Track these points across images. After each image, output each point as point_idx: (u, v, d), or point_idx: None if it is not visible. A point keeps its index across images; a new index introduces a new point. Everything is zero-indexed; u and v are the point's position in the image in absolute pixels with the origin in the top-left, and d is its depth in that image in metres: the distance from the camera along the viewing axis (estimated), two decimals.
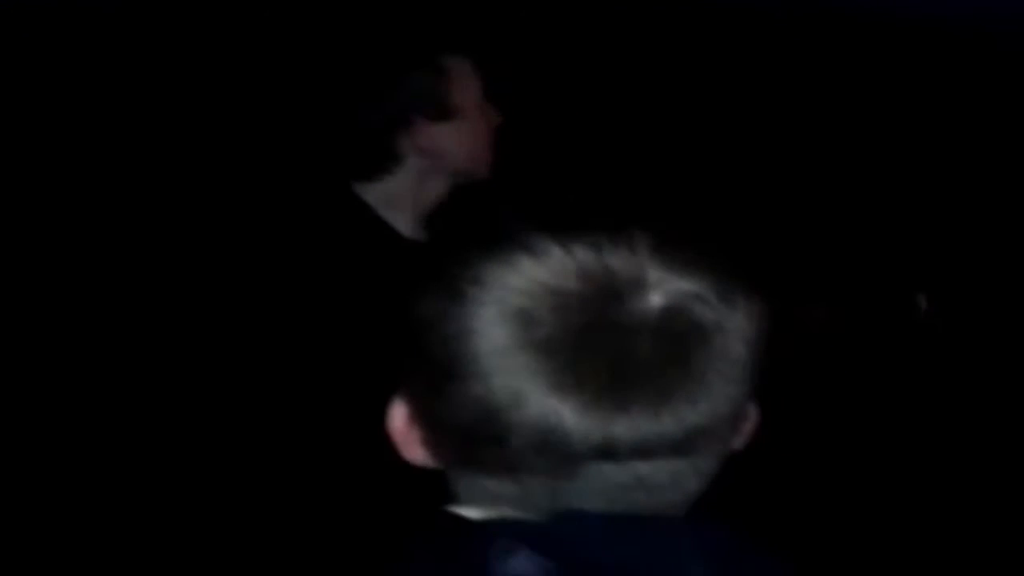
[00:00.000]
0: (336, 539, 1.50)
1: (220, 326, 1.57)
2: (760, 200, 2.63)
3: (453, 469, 0.78)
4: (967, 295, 2.61)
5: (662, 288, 0.71)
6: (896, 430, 2.49)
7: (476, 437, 0.73)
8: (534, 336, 0.70)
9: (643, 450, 0.71)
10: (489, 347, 0.71)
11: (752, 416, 0.80)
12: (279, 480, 1.54)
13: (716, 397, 0.72)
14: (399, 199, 1.61)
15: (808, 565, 0.84)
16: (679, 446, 0.72)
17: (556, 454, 0.71)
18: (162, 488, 2.16)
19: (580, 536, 0.73)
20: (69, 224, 2.34)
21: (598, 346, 0.70)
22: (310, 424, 1.50)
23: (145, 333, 2.28)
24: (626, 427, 0.70)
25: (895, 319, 2.61)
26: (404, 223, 1.62)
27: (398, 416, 0.80)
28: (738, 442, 0.80)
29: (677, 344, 0.71)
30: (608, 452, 0.71)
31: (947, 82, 2.58)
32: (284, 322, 1.50)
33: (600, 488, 0.73)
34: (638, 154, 2.55)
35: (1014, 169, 2.60)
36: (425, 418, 0.77)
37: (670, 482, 0.74)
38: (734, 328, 0.73)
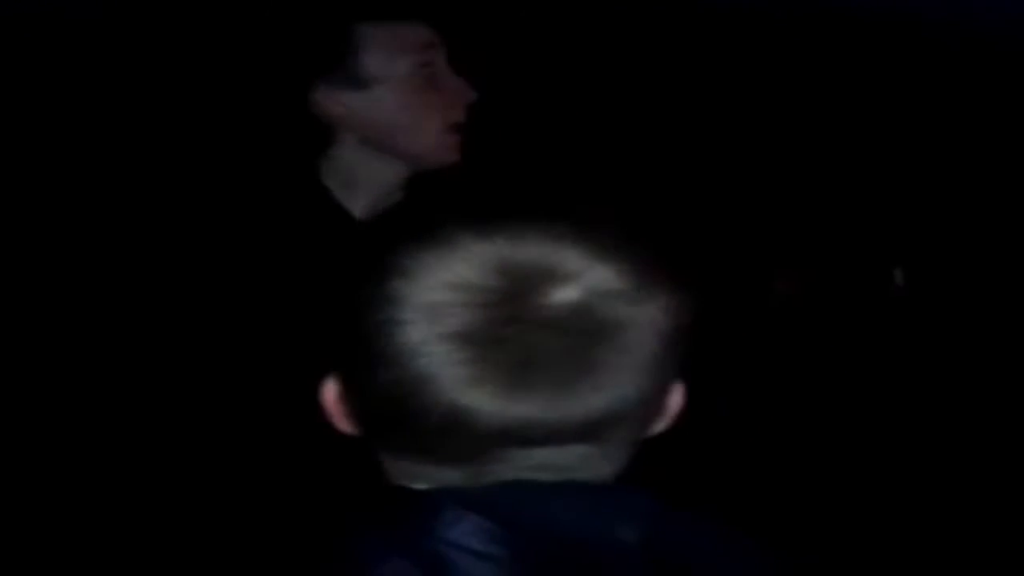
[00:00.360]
0: (283, 518, 1.48)
1: (172, 317, 1.55)
2: (737, 171, 2.60)
3: (379, 448, 0.84)
4: (945, 272, 2.58)
5: (575, 283, 0.74)
6: (869, 405, 2.45)
7: (392, 419, 0.78)
8: (447, 329, 0.74)
9: (545, 436, 0.76)
10: (407, 338, 0.75)
11: (676, 399, 0.84)
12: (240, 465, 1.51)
13: (618, 389, 0.76)
14: (349, 179, 1.54)
15: (786, 543, 0.89)
16: (583, 432, 0.76)
17: (462, 439, 0.76)
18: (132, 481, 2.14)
19: (520, 501, 0.78)
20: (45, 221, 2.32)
21: (505, 340, 0.74)
22: (259, 412, 1.48)
23: (117, 328, 2.27)
24: (528, 413, 0.75)
25: (869, 292, 2.59)
26: (358, 207, 1.53)
27: (330, 390, 0.85)
28: (659, 426, 0.85)
29: (582, 339, 0.74)
30: (509, 439, 0.76)
31: (929, 72, 2.57)
32: (234, 307, 1.48)
33: (510, 470, 0.78)
34: (613, 141, 2.52)
35: (998, 150, 2.57)
36: (350, 396, 0.83)
37: (579, 465, 0.79)
38: (646, 322, 0.76)
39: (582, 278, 0.74)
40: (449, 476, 0.79)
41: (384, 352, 0.76)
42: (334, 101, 1.49)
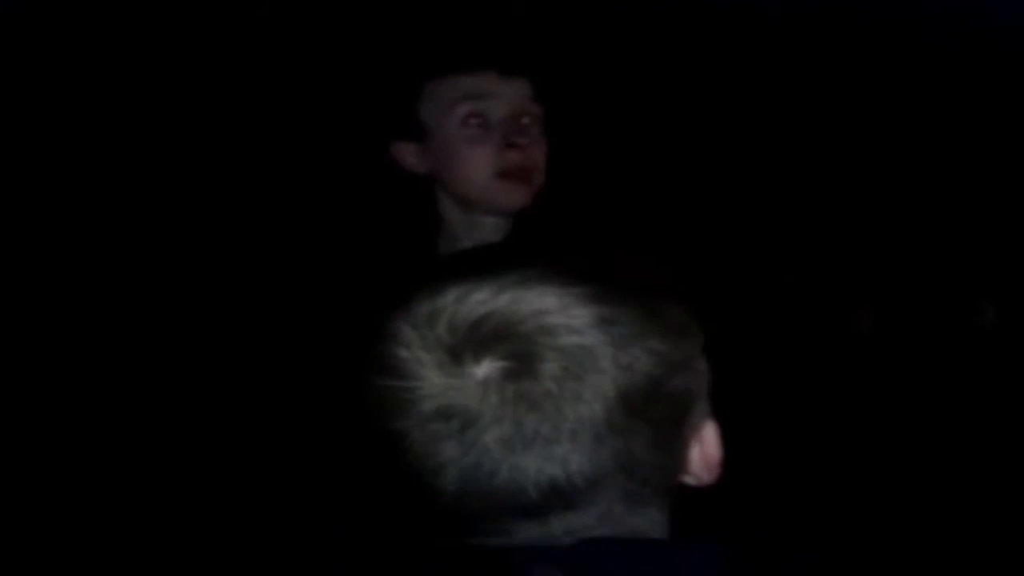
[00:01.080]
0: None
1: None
2: (818, 199, 2.56)
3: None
4: None
5: (488, 358, 0.75)
6: (957, 439, 2.39)
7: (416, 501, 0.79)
8: (406, 404, 0.77)
9: (509, 509, 0.76)
10: (389, 408, 0.78)
11: (709, 448, 0.83)
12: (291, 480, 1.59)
13: (560, 458, 0.75)
14: (452, 239, 1.65)
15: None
16: (547, 504, 0.76)
17: (467, 507, 0.78)
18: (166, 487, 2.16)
19: (606, 558, 0.77)
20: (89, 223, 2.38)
21: (448, 409, 0.76)
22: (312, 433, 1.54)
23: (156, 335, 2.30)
24: (473, 486, 0.76)
25: (955, 326, 2.52)
26: (443, 244, 1.67)
27: None
28: (707, 476, 0.84)
29: (504, 409, 0.75)
30: (471, 510, 0.77)
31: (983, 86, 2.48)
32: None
33: (524, 539, 0.78)
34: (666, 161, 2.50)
35: None
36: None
37: (577, 533, 0.78)
38: (572, 392, 0.75)
39: (506, 347, 0.75)
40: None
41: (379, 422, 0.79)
42: (405, 152, 1.63)
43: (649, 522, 0.81)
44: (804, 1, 2.44)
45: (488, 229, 1.62)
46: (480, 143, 1.59)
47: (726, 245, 2.20)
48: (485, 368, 0.75)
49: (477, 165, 1.59)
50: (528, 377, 0.75)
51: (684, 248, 1.92)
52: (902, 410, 2.41)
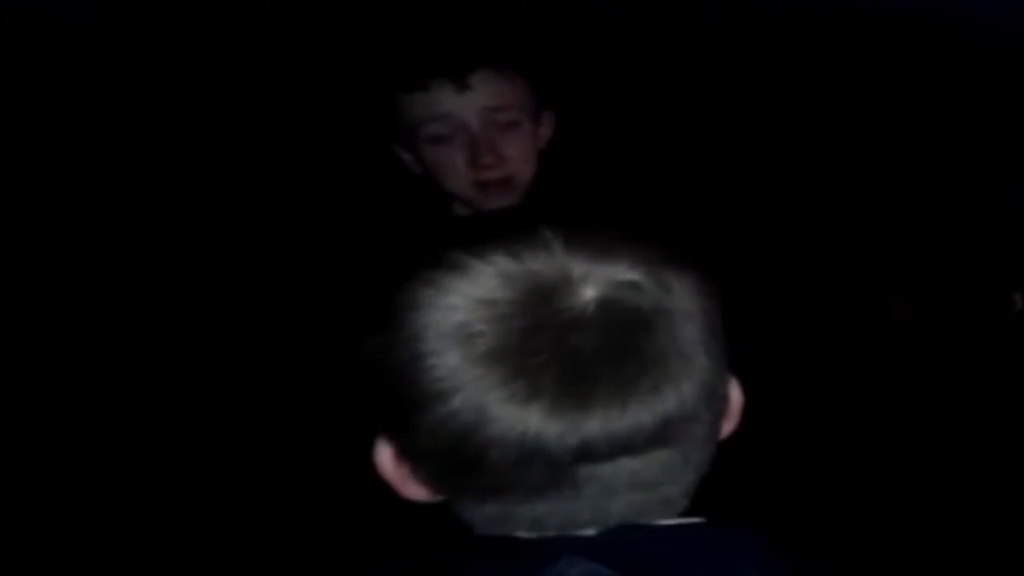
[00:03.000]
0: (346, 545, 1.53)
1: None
2: (849, 190, 2.55)
3: (455, 501, 0.79)
4: None
5: (590, 281, 0.72)
6: (989, 431, 2.39)
7: (458, 463, 0.73)
8: (478, 348, 0.70)
9: (623, 445, 0.72)
10: (440, 368, 0.71)
11: (736, 398, 0.82)
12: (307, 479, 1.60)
13: (678, 380, 0.73)
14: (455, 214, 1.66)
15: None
16: (658, 435, 0.73)
17: (540, 464, 0.71)
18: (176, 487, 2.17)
19: (636, 545, 0.75)
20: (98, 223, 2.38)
21: (542, 348, 0.70)
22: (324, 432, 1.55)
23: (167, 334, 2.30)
24: (597, 424, 0.70)
25: (986, 317, 2.52)
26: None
27: (385, 457, 0.80)
28: (728, 426, 0.82)
29: (621, 333, 0.72)
30: (587, 453, 0.71)
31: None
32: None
33: (598, 492, 0.74)
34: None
35: None
36: (407, 453, 0.78)
37: (664, 475, 0.75)
38: (674, 308, 0.74)
39: (592, 277, 0.73)
40: (542, 511, 0.75)
41: (421, 393, 0.72)
42: (401, 153, 1.64)
43: (701, 472, 0.80)
44: None
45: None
46: (450, 159, 1.57)
47: (757, 234, 2.20)
48: (593, 288, 0.72)
49: (456, 177, 1.58)
50: (639, 291, 0.73)
51: (712, 233, 1.92)
52: (933, 399, 2.41)
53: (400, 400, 0.73)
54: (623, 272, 0.73)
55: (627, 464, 0.73)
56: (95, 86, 2.33)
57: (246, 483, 1.71)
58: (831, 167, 2.55)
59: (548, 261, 0.73)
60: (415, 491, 0.81)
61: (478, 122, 1.55)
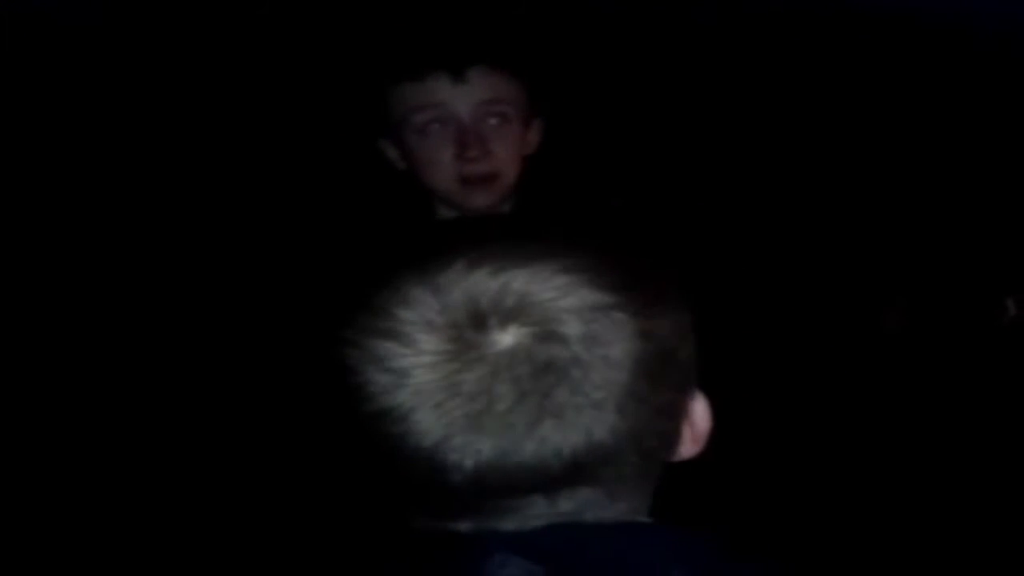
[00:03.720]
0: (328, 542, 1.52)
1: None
2: (846, 197, 2.56)
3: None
4: None
5: (514, 325, 0.73)
6: (983, 436, 2.39)
7: (390, 478, 0.77)
8: (404, 380, 0.73)
9: (530, 485, 0.74)
10: (373, 392, 0.74)
11: (701, 423, 0.82)
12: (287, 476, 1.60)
13: (589, 426, 0.73)
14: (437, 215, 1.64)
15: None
16: (570, 476, 0.74)
17: (445, 490, 0.74)
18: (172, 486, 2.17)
19: (567, 542, 0.76)
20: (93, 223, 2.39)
21: (458, 383, 0.72)
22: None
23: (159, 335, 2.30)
24: (496, 465, 0.73)
25: (979, 322, 2.52)
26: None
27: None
28: (688, 451, 0.83)
29: (531, 381, 0.72)
30: (487, 490, 0.74)
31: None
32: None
33: (521, 519, 0.76)
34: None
35: None
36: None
37: (588, 508, 0.77)
38: (591, 359, 0.73)
39: (518, 319, 0.73)
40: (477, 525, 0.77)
41: (363, 413, 0.75)
42: (386, 148, 1.64)
43: (645, 499, 0.81)
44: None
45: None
46: (440, 150, 1.57)
47: (756, 241, 2.20)
48: (512, 335, 0.73)
49: (440, 171, 1.58)
50: (556, 342, 0.73)
51: (708, 242, 1.92)
52: (928, 404, 2.41)
53: (348, 416, 0.77)
54: (544, 322, 0.73)
55: (540, 499, 0.76)
56: (89, 85, 2.34)
57: (235, 484, 1.70)
58: (826, 175, 2.56)
59: (486, 290, 0.74)
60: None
61: (470, 115, 1.56)
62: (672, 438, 0.81)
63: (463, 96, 1.56)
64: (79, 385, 2.27)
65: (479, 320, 0.73)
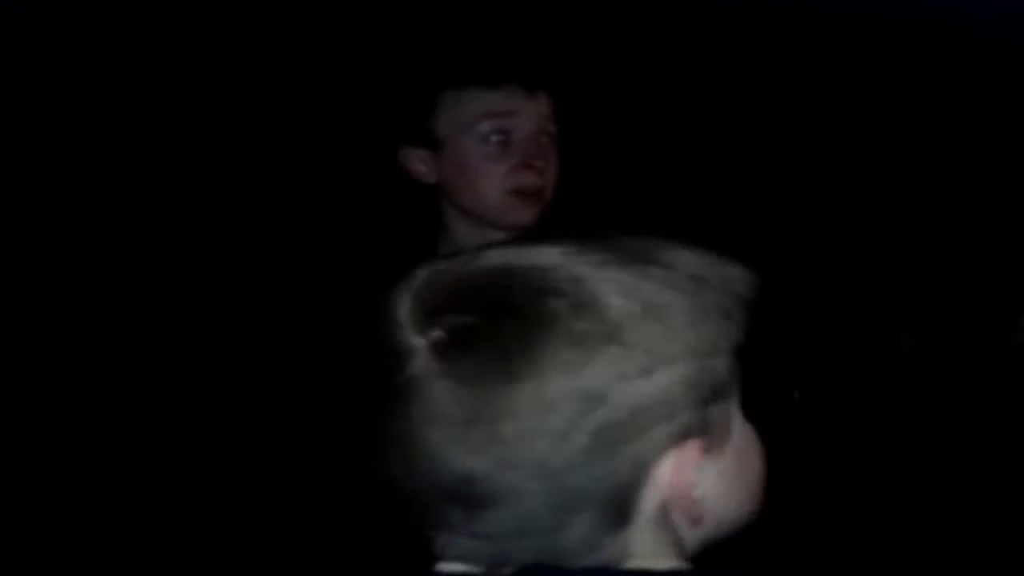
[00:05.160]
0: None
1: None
2: (854, 221, 2.58)
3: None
4: None
5: (412, 334, 0.71)
6: (995, 458, 2.40)
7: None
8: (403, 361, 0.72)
9: (447, 496, 0.70)
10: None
11: (663, 479, 0.72)
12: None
13: (485, 451, 0.69)
14: (443, 231, 1.63)
15: None
16: (467, 495, 0.70)
17: (416, 506, 0.73)
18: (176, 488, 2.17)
19: None
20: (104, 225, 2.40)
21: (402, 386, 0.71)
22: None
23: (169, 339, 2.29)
24: (403, 473, 0.71)
25: (993, 346, 2.52)
26: (443, 250, 1.63)
27: None
28: (686, 514, 0.74)
29: (443, 384, 0.70)
30: (422, 506, 0.72)
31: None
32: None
33: (482, 536, 0.72)
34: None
35: None
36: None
37: (516, 533, 0.71)
38: (518, 369, 0.68)
39: (411, 330, 0.72)
40: (457, 545, 0.74)
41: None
42: (415, 159, 1.59)
43: (578, 541, 0.72)
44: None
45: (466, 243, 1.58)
46: (498, 161, 1.55)
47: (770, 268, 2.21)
48: (436, 334, 0.70)
49: (492, 182, 1.56)
50: (479, 342, 0.69)
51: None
52: (939, 422, 2.41)
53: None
54: (464, 332, 0.70)
55: (458, 513, 0.72)
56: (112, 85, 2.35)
57: (238, 488, 1.71)
58: (843, 204, 2.57)
59: (401, 302, 0.74)
60: None
61: (534, 129, 1.57)
62: (616, 476, 0.71)
63: (532, 110, 1.56)
64: (80, 385, 2.27)
65: (428, 313, 0.72)
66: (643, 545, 0.73)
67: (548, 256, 0.72)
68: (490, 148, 1.56)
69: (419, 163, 1.59)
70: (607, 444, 0.69)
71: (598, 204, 1.90)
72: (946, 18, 2.39)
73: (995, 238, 2.57)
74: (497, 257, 0.74)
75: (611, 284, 0.71)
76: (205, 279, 2.23)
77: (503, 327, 0.69)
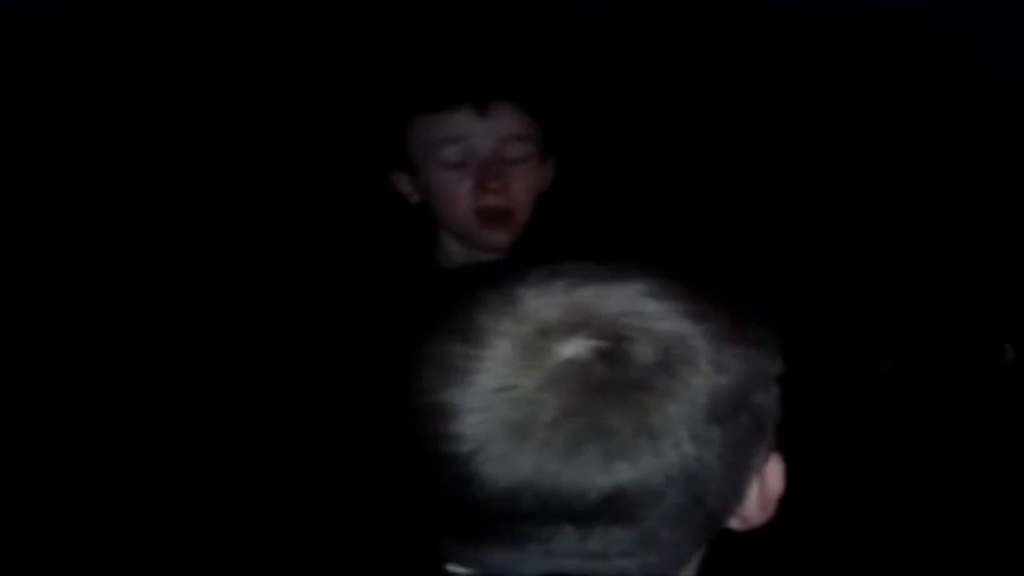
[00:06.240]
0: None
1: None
2: (847, 254, 2.58)
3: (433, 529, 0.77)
4: None
5: (578, 337, 0.69)
6: (981, 480, 2.40)
7: (430, 499, 0.73)
8: (462, 376, 0.70)
9: (560, 510, 0.68)
10: (417, 390, 0.71)
11: (774, 486, 0.76)
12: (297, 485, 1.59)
13: (637, 458, 0.67)
14: (447, 262, 1.65)
15: None
16: (606, 509, 0.68)
17: (479, 512, 0.70)
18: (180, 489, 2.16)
19: None
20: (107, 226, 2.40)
21: (510, 390, 0.68)
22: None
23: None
24: (530, 484, 0.68)
25: (976, 370, 2.54)
26: (442, 260, 1.67)
27: None
28: (756, 517, 0.76)
29: (584, 399, 0.67)
30: (519, 510, 0.68)
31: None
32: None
33: (541, 552, 0.71)
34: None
35: None
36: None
37: (614, 550, 0.70)
38: (660, 387, 0.68)
39: (578, 335, 0.69)
40: (490, 558, 0.72)
41: (401, 412, 0.72)
42: (400, 181, 1.64)
43: (682, 558, 0.74)
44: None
45: (484, 258, 1.62)
46: (460, 183, 1.58)
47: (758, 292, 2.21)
48: (574, 346, 0.68)
49: (458, 205, 1.59)
50: (618, 363, 0.68)
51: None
52: (923, 446, 2.42)
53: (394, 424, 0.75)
54: (613, 339, 0.69)
55: (571, 531, 0.69)
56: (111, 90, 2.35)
57: (237, 488, 1.71)
58: (826, 226, 2.58)
59: (563, 305, 0.71)
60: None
61: (491, 149, 1.58)
62: (733, 492, 0.73)
63: (486, 130, 1.57)
64: (81, 385, 2.27)
65: (547, 331, 0.69)
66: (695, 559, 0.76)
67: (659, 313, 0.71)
68: (451, 173, 1.58)
69: (403, 185, 1.64)
70: (741, 455, 0.72)
71: (589, 213, 1.92)
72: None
73: (980, 264, 2.58)
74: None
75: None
76: (209, 288, 2.24)
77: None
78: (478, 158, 1.57)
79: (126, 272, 2.37)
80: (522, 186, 1.60)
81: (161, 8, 2.29)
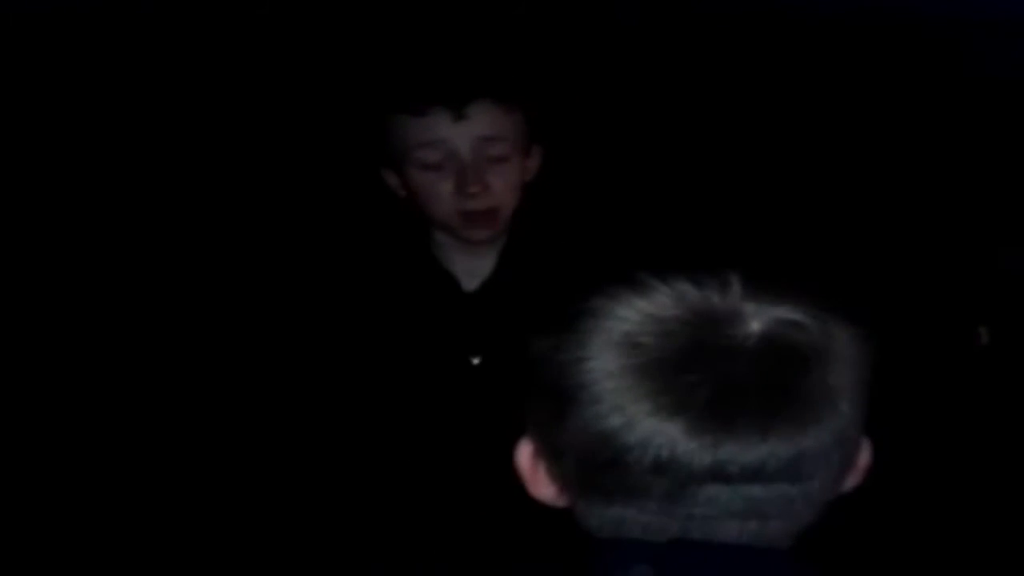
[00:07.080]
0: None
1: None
2: (814, 229, 2.59)
3: (580, 501, 0.81)
4: None
5: (758, 317, 0.76)
6: (951, 469, 2.42)
7: (595, 462, 0.76)
8: (638, 359, 0.74)
9: (753, 473, 0.74)
10: (598, 372, 0.75)
11: (864, 455, 0.83)
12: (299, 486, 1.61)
13: (819, 421, 0.75)
14: (442, 255, 1.67)
15: None
16: (789, 470, 0.75)
17: (671, 475, 0.74)
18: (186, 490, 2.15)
19: (693, 559, 0.76)
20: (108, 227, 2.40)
21: (699, 368, 0.73)
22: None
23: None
24: (734, 449, 0.73)
25: (952, 353, 2.55)
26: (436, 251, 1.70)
27: (524, 453, 0.84)
28: (852, 480, 0.82)
29: (776, 368, 0.74)
30: (719, 474, 0.74)
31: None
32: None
33: (715, 514, 0.75)
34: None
35: None
36: (547, 449, 0.81)
37: (780, 510, 0.77)
38: (833, 353, 0.76)
39: (761, 314, 0.76)
40: (655, 522, 0.77)
41: (575, 391, 0.75)
42: (388, 176, 1.65)
43: (795, 527, 0.80)
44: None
45: (474, 250, 1.65)
46: (437, 185, 1.58)
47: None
48: (758, 322, 0.76)
49: (440, 204, 1.59)
50: (799, 329, 0.76)
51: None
52: (899, 433, 2.43)
53: (553, 397, 0.77)
54: (789, 312, 0.77)
55: (750, 491, 0.75)
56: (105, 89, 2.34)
57: (246, 489, 1.71)
58: (800, 211, 2.59)
59: (723, 294, 0.78)
60: (543, 490, 0.83)
61: (470, 152, 1.57)
62: (857, 454, 0.82)
63: (463, 132, 1.56)
64: (82, 385, 2.26)
65: (715, 314, 0.76)
66: None
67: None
68: (429, 174, 1.58)
69: (391, 180, 1.64)
70: (856, 431, 0.79)
71: (580, 196, 1.91)
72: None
73: (955, 246, 2.60)
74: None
75: None
76: (206, 284, 2.23)
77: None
78: (457, 159, 1.56)
79: (120, 269, 2.35)
80: (504, 184, 1.60)
81: (159, 8, 2.26)
